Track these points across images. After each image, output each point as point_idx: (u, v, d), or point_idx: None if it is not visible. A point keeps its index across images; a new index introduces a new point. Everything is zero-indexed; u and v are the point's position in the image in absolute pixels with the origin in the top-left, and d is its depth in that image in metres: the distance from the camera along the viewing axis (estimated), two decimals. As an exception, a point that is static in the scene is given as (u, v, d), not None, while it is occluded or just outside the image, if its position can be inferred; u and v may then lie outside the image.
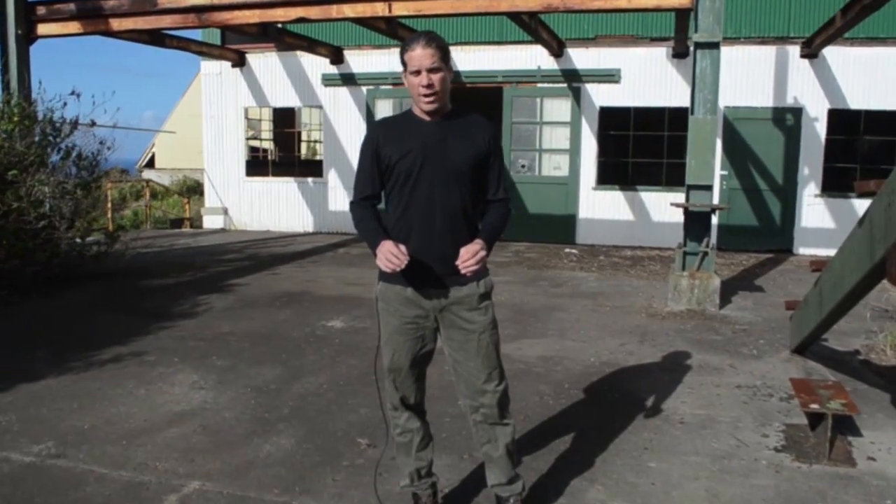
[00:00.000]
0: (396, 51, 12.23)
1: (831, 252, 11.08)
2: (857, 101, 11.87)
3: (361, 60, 14.20)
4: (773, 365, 5.80)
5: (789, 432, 4.34)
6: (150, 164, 32.64)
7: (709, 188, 7.89)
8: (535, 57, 13.17)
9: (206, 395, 5.04)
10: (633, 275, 10.10)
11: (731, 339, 6.60)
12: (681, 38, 11.59)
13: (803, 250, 12.25)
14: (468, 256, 2.77)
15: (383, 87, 14.14)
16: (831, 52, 11.79)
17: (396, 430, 3.21)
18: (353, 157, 14.31)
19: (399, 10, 9.26)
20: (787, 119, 12.22)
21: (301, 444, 4.19)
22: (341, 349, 6.20)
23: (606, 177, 13.34)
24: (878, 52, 11.69)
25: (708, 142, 7.76)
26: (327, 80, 14.44)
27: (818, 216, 12.23)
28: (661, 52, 12.59)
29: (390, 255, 2.73)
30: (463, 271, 2.78)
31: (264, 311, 7.63)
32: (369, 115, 14.24)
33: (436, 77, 2.87)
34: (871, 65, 11.74)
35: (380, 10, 9.32)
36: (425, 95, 2.89)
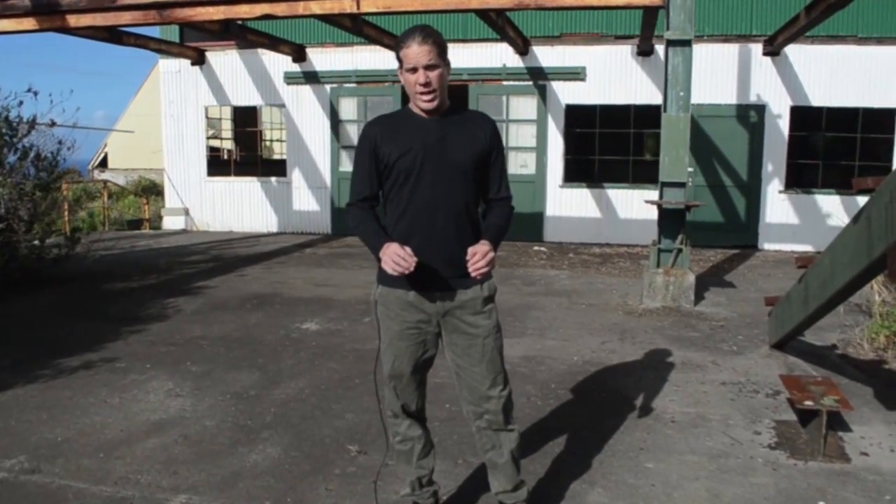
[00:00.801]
0: (361, 49, 11.93)
1: (796, 247, 11.47)
2: (819, 98, 12.06)
3: (325, 58, 13.99)
4: (755, 361, 5.81)
5: (780, 429, 4.33)
6: (103, 163, 31.92)
7: (682, 185, 7.91)
8: (500, 55, 13.13)
9: (183, 403, 4.86)
10: (605, 272, 10.11)
11: (709, 336, 6.61)
12: (646, 36, 11.64)
13: (768, 246, 12.42)
14: (478, 258, 2.66)
15: (347, 85, 13.96)
16: (793, 50, 11.96)
17: (396, 438, 3.10)
18: (317, 156, 14.16)
19: (367, 6, 9.08)
20: (751, 116, 12.37)
21: (288, 453, 4.05)
22: (319, 352, 6.07)
23: (573, 174, 13.35)
24: (839, 49, 11.88)
25: (681, 139, 7.77)
26: (290, 79, 14.20)
27: (782, 212, 12.40)
28: (625, 50, 12.65)
29: (397, 257, 2.61)
30: (473, 273, 2.67)
31: (235, 314, 7.44)
32: (333, 113, 14.05)
33: (433, 74, 2.77)
34: (831, 62, 11.93)
35: (348, 6, 9.13)
36: (423, 94, 2.79)
